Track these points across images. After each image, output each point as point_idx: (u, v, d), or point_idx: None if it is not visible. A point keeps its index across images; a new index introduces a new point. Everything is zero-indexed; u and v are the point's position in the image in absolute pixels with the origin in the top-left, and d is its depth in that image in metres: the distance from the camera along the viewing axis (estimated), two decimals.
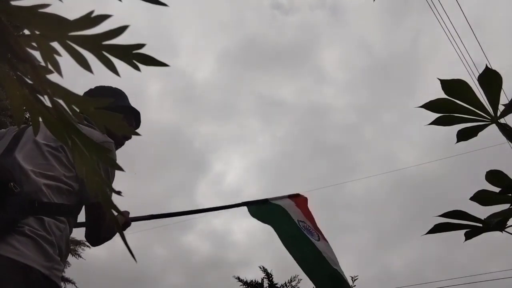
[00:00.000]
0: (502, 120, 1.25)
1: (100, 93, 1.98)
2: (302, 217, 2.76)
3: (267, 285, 5.88)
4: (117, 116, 0.62)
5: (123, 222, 1.92)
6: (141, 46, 0.61)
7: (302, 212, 2.80)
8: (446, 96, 1.23)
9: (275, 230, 2.70)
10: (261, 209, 2.81)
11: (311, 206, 2.86)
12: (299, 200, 2.88)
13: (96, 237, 1.67)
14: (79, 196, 1.56)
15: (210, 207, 2.90)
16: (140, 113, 2.08)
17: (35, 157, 1.52)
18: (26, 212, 1.35)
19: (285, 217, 2.73)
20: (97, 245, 1.72)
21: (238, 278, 5.91)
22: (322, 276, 2.59)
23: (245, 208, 2.85)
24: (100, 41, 0.60)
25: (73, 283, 9.39)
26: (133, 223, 2.10)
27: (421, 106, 1.27)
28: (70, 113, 0.63)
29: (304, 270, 2.63)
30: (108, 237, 1.68)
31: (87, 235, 1.64)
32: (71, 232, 1.56)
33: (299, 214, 2.77)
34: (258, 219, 2.78)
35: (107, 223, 1.62)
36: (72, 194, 1.54)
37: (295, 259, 2.64)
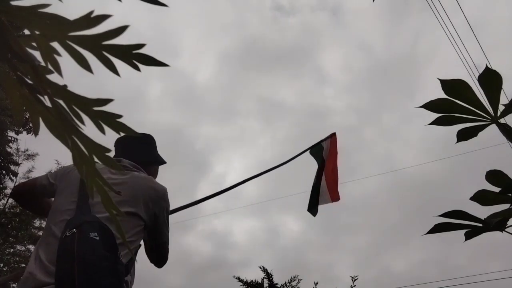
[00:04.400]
0: (502, 120, 1.24)
1: (132, 141, 1.95)
2: (327, 155, 3.95)
3: (267, 285, 5.87)
4: (117, 116, 0.62)
5: None
6: (141, 46, 0.61)
7: (331, 149, 3.96)
8: (446, 96, 1.23)
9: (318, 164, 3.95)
10: (317, 150, 3.97)
11: (338, 144, 4.03)
12: (333, 139, 4.01)
13: (162, 264, 1.95)
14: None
15: (263, 172, 3.40)
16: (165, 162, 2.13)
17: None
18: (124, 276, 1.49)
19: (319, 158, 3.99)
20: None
21: (238, 278, 5.91)
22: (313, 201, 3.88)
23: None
24: (100, 41, 0.60)
25: None
26: None
27: (421, 106, 1.27)
28: (70, 113, 0.63)
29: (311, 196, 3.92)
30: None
31: (155, 263, 1.94)
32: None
33: (327, 152, 3.96)
34: (314, 157, 3.97)
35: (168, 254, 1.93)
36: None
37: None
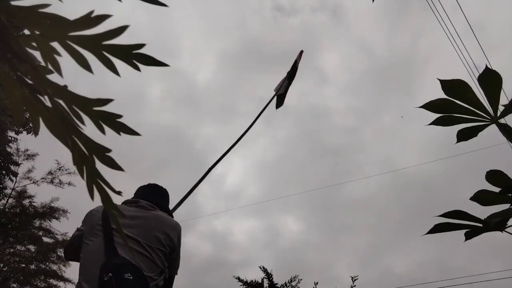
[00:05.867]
0: (502, 120, 1.24)
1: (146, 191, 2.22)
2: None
3: (267, 285, 5.87)
4: (117, 116, 0.62)
5: None
6: (141, 46, 0.61)
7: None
8: (446, 97, 1.23)
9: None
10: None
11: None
12: (300, 55, 4.36)
13: None
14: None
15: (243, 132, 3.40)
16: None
17: (147, 261, 1.79)
18: None
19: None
20: None
21: (238, 278, 5.91)
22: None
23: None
24: (100, 41, 0.60)
25: (74, 283, 9.39)
26: None
27: (421, 107, 1.27)
28: (70, 113, 0.63)
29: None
30: None
31: None
32: None
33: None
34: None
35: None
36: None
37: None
